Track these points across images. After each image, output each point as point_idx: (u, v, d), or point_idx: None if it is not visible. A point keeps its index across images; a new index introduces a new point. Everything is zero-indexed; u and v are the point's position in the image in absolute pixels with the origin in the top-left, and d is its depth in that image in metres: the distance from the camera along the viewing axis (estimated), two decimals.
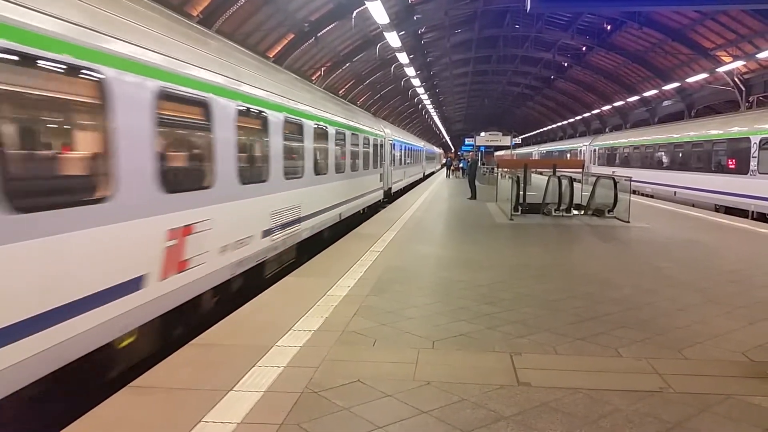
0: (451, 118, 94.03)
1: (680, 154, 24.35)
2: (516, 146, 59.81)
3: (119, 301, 4.93)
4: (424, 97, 45.57)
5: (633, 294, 7.40)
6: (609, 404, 4.11)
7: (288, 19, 25.14)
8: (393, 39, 20.11)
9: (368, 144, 18.78)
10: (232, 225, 7.33)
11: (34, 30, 3.98)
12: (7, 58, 3.80)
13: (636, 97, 42.68)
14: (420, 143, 47.17)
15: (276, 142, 9.10)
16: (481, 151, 50.72)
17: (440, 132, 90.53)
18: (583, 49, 42.06)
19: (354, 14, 25.21)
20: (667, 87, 36.93)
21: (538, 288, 7.68)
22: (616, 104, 47.38)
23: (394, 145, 26.76)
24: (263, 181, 8.57)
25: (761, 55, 25.66)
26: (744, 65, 30.00)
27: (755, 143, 17.99)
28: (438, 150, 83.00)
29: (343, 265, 9.06)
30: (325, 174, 12.48)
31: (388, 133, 24.82)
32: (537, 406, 4.08)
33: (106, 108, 4.78)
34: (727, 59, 29.98)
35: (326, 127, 12.67)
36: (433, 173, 56.52)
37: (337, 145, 13.83)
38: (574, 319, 6.25)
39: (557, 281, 8.13)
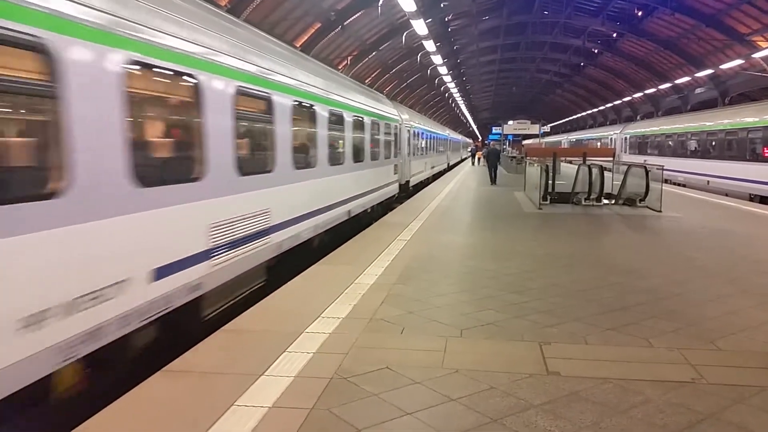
0: (479, 107, 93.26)
1: (713, 143, 23.79)
2: (545, 135, 59.07)
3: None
4: (451, 85, 45.23)
5: (664, 284, 7.29)
6: (640, 394, 4.08)
7: (315, 8, 25.18)
8: (420, 27, 19.99)
9: (442, 141, 38.21)
10: (430, 163, 29.84)
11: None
12: None
13: (668, 85, 41.78)
14: (458, 137, 66.47)
15: (440, 145, 36.72)
16: (509, 139, 50.19)
17: (467, 121, 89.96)
18: (614, 35, 41.30)
19: (380, 2, 25.14)
20: (700, 74, 36.02)
21: (566, 278, 7.61)
22: (647, 92, 46.46)
23: (450, 140, 46.82)
24: (430, 154, 30.06)
25: None
26: None
27: None
28: (469, 140, 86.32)
29: (370, 253, 9.11)
30: (436, 153, 33.89)
31: (449, 133, 47.12)
32: (567, 395, 4.07)
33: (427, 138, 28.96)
34: (763, 44, 29.13)
35: (439, 135, 35.70)
36: (467, 158, 66.99)
37: (438, 142, 34.76)
38: (603, 309, 6.19)
39: (586, 271, 8.05)
